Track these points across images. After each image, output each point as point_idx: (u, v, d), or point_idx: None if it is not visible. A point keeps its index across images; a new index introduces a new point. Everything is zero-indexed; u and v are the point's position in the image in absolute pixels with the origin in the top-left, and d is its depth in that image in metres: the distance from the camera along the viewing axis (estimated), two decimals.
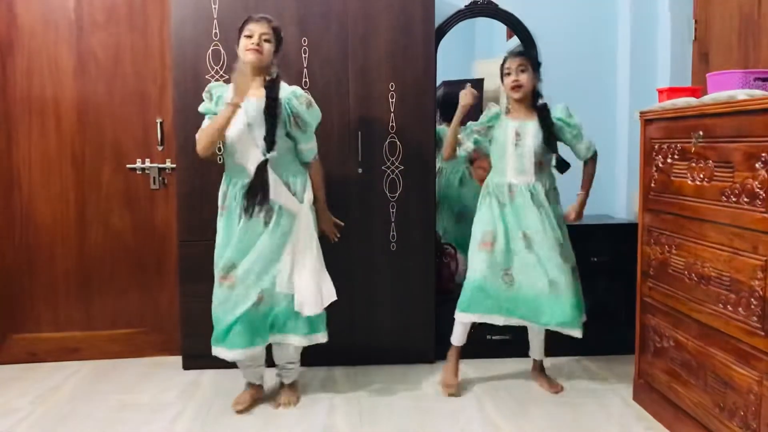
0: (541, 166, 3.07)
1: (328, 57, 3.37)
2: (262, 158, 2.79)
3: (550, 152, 3.09)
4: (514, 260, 3.03)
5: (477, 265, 3.05)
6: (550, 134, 3.06)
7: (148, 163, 3.60)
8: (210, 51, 3.31)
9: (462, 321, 3.09)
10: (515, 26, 3.85)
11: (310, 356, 3.14)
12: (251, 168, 2.80)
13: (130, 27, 3.52)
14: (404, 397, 3.13)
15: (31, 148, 3.51)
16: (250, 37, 2.79)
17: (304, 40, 3.35)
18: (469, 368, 3.43)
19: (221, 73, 3.30)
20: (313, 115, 2.89)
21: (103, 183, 3.58)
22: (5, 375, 3.43)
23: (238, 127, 2.80)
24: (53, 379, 3.38)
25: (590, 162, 3.17)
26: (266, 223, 2.83)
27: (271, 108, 2.79)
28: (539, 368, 3.30)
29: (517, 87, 3.03)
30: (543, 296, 2.99)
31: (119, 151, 3.58)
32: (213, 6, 3.29)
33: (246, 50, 2.79)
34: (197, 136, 2.89)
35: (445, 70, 3.55)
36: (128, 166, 3.58)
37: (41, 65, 3.49)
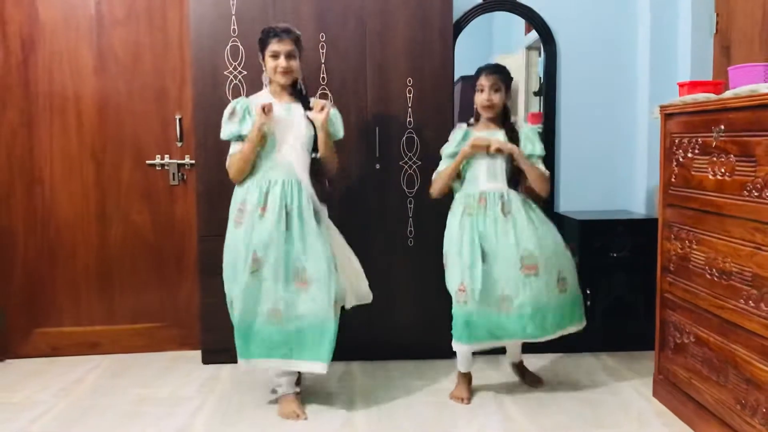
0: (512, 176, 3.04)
1: (345, 53, 3.38)
2: (305, 156, 2.86)
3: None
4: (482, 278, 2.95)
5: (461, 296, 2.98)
6: (516, 138, 3.01)
7: (167, 159, 3.62)
8: (228, 47, 3.32)
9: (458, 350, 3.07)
10: (533, 20, 3.83)
11: None
12: (296, 165, 2.84)
13: (150, 24, 3.55)
14: (422, 392, 3.13)
15: (53, 144, 3.55)
16: (275, 57, 2.81)
17: (322, 36, 3.36)
18: (488, 364, 3.43)
19: (239, 69, 3.32)
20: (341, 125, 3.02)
21: (123, 179, 3.61)
22: (28, 368, 3.48)
23: (283, 123, 2.84)
24: (74, 372, 3.42)
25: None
26: (317, 223, 2.85)
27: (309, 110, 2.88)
28: (521, 367, 3.29)
29: (489, 107, 3.01)
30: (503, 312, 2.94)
31: (139, 147, 3.61)
32: (231, 3, 3.31)
33: (274, 72, 2.83)
34: (228, 162, 2.87)
35: (463, 66, 3.54)
36: (148, 162, 3.61)
37: (62, 62, 3.52)
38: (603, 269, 3.57)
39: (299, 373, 2.99)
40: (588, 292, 3.56)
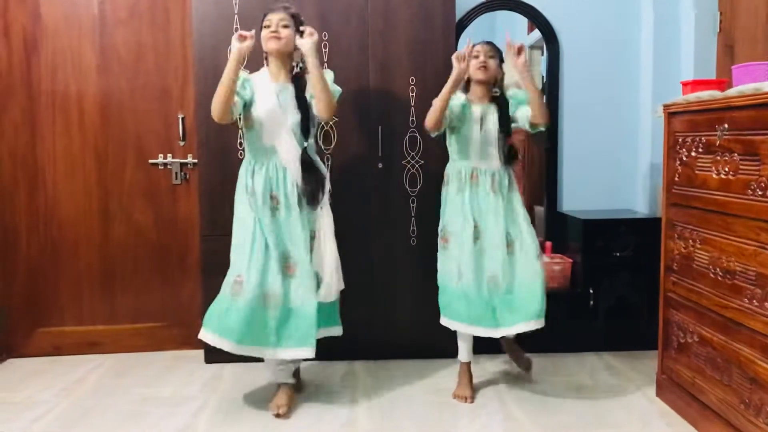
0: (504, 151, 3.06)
1: (348, 51, 3.37)
2: (292, 141, 2.82)
3: (508, 136, 3.06)
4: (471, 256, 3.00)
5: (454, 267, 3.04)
6: (506, 115, 3.03)
7: (170, 159, 3.62)
8: (231, 46, 3.31)
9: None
10: (536, 19, 3.82)
11: (331, 351, 3.15)
12: (281, 150, 2.83)
13: (152, 23, 3.55)
14: (425, 391, 3.13)
15: (55, 143, 3.55)
16: (269, 26, 2.81)
17: (325, 35, 3.35)
18: (490, 363, 3.42)
19: (242, 68, 3.30)
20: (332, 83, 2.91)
21: (126, 178, 3.61)
22: (30, 368, 3.48)
23: (269, 107, 2.83)
24: (77, 372, 3.42)
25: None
26: (300, 210, 2.85)
27: (302, 97, 2.84)
28: (513, 346, 3.30)
29: (483, 68, 3.01)
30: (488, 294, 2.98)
31: (141, 146, 3.61)
32: (234, 2, 3.30)
33: (266, 39, 2.82)
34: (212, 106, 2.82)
35: None
36: (150, 161, 3.61)
37: (65, 62, 3.52)
38: (606, 268, 3.56)
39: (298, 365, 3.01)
40: (591, 291, 3.56)
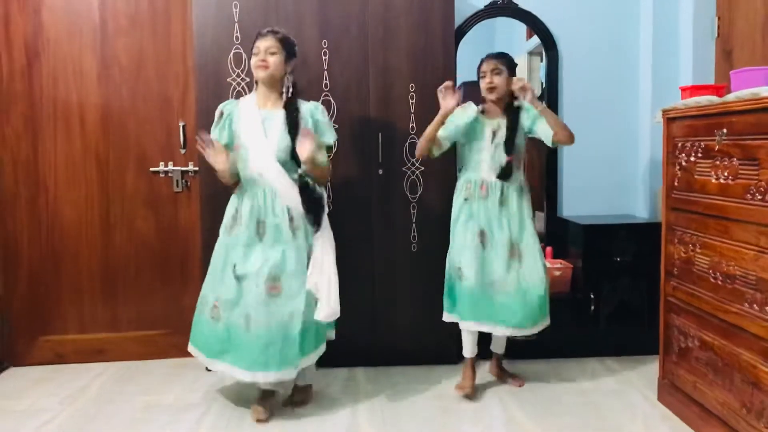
0: (516, 165, 3.10)
1: (348, 59, 3.39)
2: (280, 170, 2.84)
3: (519, 151, 3.12)
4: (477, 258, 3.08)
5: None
6: (513, 134, 3.06)
7: (171, 166, 3.63)
8: (231, 54, 3.33)
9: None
10: (535, 26, 3.84)
11: (332, 357, 3.15)
12: (268, 177, 2.84)
13: (153, 31, 3.56)
14: (427, 397, 3.13)
15: (57, 151, 3.57)
16: (257, 54, 2.85)
17: (325, 43, 3.37)
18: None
19: (242, 76, 3.33)
20: (331, 128, 2.97)
21: (127, 186, 3.62)
22: (34, 376, 3.49)
23: (253, 134, 2.86)
24: (80, 380, 3.42)
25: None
26: (293, 233, 2.86)
27: (295, 123, 2.85)
28: (499, 364, 3.33)
29: (491, 89, 3.07)
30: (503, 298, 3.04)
31: (142, 154, 3.62)
32: (234, 10, 3.32)
33: (255, 67, 2.86)
34: None
35: (465, 71, 3.55)
36: (151, 169, 3.62)
37: (66, 70, 3.54)
38: (607, 273, 3.57)
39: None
40: (592, 296, 3.56)
